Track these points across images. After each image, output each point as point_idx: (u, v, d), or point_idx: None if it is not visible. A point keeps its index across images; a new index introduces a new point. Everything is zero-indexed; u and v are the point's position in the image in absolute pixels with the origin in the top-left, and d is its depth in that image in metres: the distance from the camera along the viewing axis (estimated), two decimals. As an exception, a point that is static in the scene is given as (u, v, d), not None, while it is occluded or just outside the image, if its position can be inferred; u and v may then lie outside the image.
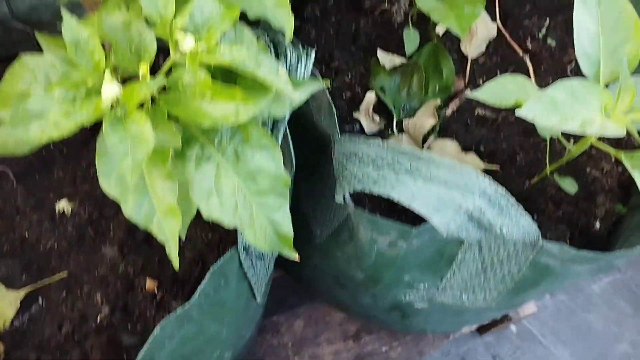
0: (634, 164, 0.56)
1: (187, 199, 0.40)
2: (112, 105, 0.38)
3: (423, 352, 0.92)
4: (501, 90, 0.58)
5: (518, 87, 0.59)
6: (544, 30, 0.78)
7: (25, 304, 0.60)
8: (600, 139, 0.59)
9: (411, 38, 0.72)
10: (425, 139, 0.71)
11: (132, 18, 0.40)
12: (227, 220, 0.41)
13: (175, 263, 0.41)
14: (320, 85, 0.46)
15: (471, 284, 0.63)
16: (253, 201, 0.43)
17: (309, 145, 0.62)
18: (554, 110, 0.53)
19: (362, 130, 0.71)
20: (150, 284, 0.62)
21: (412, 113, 0.73)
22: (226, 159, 0.43)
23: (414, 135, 0.72)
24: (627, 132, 0.57)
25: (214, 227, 0.66)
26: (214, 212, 0.41)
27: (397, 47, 0.75)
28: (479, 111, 0.73)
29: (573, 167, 0.70)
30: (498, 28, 0.77)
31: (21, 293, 0.60)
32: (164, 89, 0.41)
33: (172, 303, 0.61)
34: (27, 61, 0.41)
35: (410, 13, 0.76)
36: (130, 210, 0.39)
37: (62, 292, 0.61)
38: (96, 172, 0.65)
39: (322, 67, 0.74)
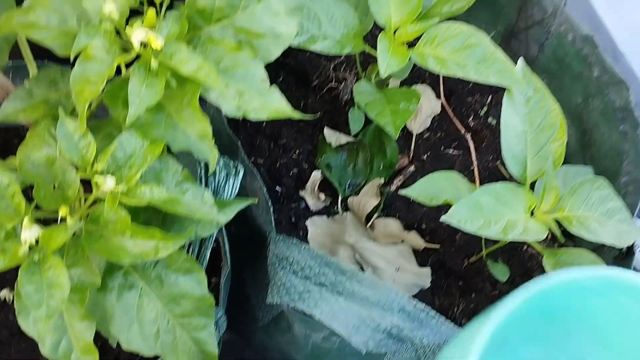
0: (555, 262, 0.59)
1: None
2: (30, 247, 0.39)
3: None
4: (433, 188, 0.61)
5: (450, 184, 0.61)
6: (485, 108, 0.80)
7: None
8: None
9: (356, 118, 0.74)
10: (369, 217, 0.73)
11: (56, 155, 0.42)
12: (147, 349, 0.43)
13: None
14: (247, 203, 0.48)
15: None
16: (176, 323, 0.45)
17: (250, 232, 0.64)
18: (479, 213, 0.55)
19: (307, 208, 0.73)
20: None
21: (357, 190, 0.75)
22: (149, 285, 0.44)
23: (358, 213, 0.74)
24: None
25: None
26: (133, 342, 0.43)
27: (344, 125, 0.77)
28: (421, 190, 0.75)
29: (509, 245, 0.73)
30: (442, 104, 0.80)
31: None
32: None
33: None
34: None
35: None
36: (48, 349, 0.41)
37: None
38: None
39: (271, 144, 0.76)
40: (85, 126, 0.40)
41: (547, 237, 0.64)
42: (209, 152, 0.44)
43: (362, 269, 0.69)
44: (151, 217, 0.43)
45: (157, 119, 0.44)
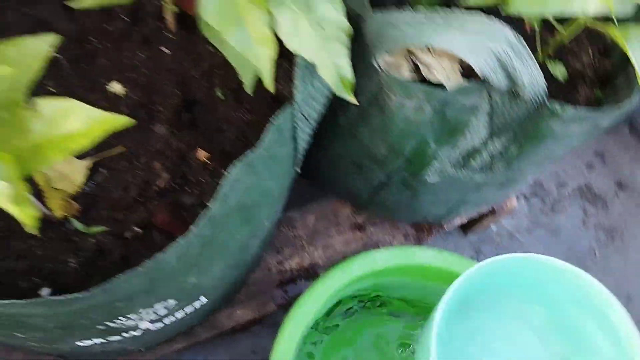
0: (624, 35, 0.66)
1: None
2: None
3: (420, 243, 1.03)
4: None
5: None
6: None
7: (90, 173, 0.66)
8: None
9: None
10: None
11: None
12: (308, 56, 0.49)
13: (271, 87, 0.49)
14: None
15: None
16: (323, 45, 0.51)
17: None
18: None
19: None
20: (202, 155, 0.69)
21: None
22: (299, 8, 0.50)
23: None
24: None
25: (251, 110, 0.73)
26: (296, 47, 0.49)
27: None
28: None
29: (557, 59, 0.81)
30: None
31: (87, 162, 0.66)
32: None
33: (222, 171, 0.69)
34: None
35: None
36: (235, 39, 0.46)
37: (123, 163, 0.68)
38: (141, 60, 0.72)
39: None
40: None
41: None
42: None
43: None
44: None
45: None
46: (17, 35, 0.71)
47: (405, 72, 0.75)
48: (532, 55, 0.56)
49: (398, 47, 0.57)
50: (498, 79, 0.56)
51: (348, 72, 0.53)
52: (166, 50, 0.74)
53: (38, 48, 0.51)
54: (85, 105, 0.46)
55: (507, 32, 0.55)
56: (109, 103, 0.70)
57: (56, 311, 0.55)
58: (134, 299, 0.60)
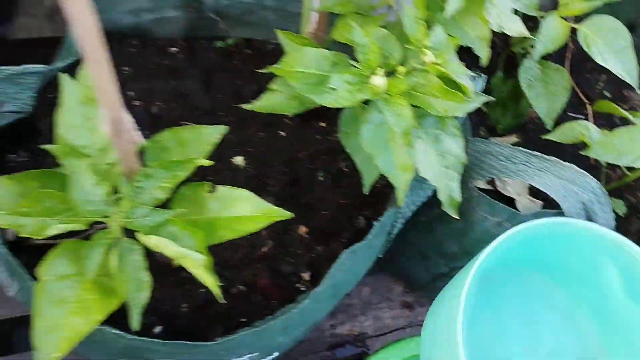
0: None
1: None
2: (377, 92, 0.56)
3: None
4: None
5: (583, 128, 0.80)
6: (601, 84, 0.99)
7: (207, 231, 0.77)
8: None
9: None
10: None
11: (387, 33, 0.59)
12: (431, 179, 0.60)
13: (402, 202, 0.60)
14: (486, 99, 0.66)
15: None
16: (442, 170, 0.62)
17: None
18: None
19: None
20: (302, 229, 0.79)
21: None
22: (429, 140, 0.62)
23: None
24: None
25: (347, 195, 0.84)
26: (423, 172, 0.60)
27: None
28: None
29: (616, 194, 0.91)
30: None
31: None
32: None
33: (317, 247, 0.79)
34: (307, 51, 0.59)
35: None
36: (382, 162, 0.57)
37: (235, 226, 0.78)
38: (261, 138, 0.83)
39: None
40: (424, 11, 0.57)
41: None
42: (483, 50, 0.62)
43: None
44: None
45: (445, 21, 0.62)
46: (161, 100, 0.83)
47: (481, 183, 0.86)
48: (611, 204, 0.66)
49: (498, 178, 0.68)
50: (579, 219, 0.67)
51: (457, 194, 0.64)
52: (282, 133, 0.85)
53: (210, 134, 0.62)
54: (255, 195, 0.56)
55: (593, 184, 0.65)
56: (231, 173, 0.80)
57: (176, 351, 0.65)
58: (237, 349, 0.69)
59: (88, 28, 0.34)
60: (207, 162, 0.55)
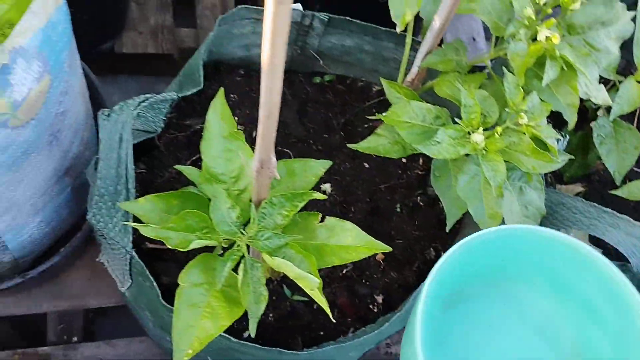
0: None
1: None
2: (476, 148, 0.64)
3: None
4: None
5: None
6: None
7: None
8: None
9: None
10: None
11: (487, 95, 0.66)
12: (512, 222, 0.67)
13: None
14: (568, 158, 0.72)
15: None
16: (523, 221, 0.69)
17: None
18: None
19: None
20: (380, 255, 0.87)
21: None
22: (514, 191, 0.68)
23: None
24: None
25: (420, 227, 0.91)
26: (508, 220, 0.67)
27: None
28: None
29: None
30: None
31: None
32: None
33: (392, 273, 0.86)
34: (413, 104, 0.67)
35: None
36: (473, 210, 0.65)
37: (319, 247, 0.86)
38: (347, 168, 0.91)
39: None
40: (523, 79, 0.65)
41: None
42: (571, 116, 0.68)
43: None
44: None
45: (540, 89, 0.68)
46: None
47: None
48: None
49: (570, 229, 0.74)
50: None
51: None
52: (366, 165, 0.93)
53: (316, 167, 0.70)
54: (358, 228, 0.64)
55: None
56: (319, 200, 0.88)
57: (267, 356, 0.73)
58: (318, 360, 0.77)
59: (275, 97, 0.42)
60: (321, 196, 0.62)
